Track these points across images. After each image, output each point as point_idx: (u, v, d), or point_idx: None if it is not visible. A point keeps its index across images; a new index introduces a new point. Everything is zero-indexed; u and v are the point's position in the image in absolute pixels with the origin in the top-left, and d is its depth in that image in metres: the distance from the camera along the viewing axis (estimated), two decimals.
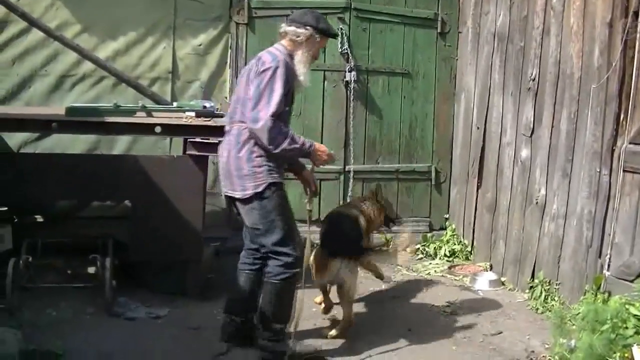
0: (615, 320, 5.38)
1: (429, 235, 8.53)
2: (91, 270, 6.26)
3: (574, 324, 5.88)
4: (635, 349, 5.08)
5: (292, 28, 5.23)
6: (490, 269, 7.72)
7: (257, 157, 5.06)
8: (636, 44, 5.97)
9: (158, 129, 6.23)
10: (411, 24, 8.42)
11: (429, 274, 7.74)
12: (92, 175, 6.14)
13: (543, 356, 5.62)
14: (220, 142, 6.23)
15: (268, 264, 5.22)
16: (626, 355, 5.15)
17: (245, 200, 5.12)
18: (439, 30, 8.51)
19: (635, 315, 5.32)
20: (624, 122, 6.08)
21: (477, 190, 8.11)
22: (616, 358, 5.19)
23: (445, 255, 8.23)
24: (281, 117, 4.96)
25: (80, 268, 6.32)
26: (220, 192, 7.93)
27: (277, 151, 4.96)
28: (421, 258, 8.24)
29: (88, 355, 5.11)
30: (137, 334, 5.61)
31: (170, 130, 6.35)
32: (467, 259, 8.18)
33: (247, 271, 5.48)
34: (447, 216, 8.71)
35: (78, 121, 6.12)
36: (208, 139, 6.27)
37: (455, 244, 8.32)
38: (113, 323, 5.80)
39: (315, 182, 5.58)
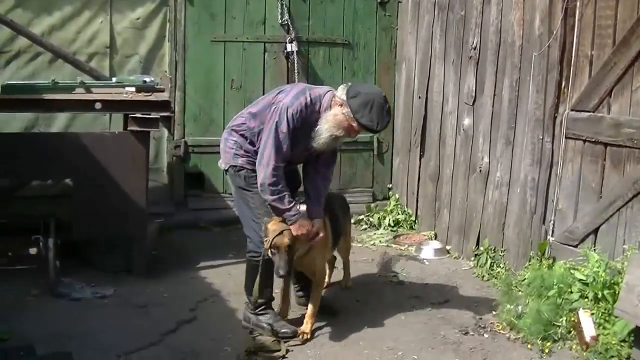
0: (561, 285, 5.47)
1: (372, 205, 8.54)
2: (33, 251, 6.10)
3: (520, 290, 5.97)
4: (581, 312, 5.17)
5: (341, 92, 5.11)
6: (435, 238, 7.77)
7: (232, 139, 5.32)
8: (576, 12, 6.01)
9: (98, 105, 6.09)
10: None
11: (374, 244, 7.75)
12: (32, 154, 5.94)
13: (491, 322, 5.66)
14: (161, 117, 6.19)
15: None
16: (572, 319, 5.25)
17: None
18: (378, 0, 8.48)
19: (580, 280, 5.40)
20: (566, 89, 6.14)
21: (420, 160, 8.13)
22: (562, 322, 5.29)
23: (389, 225, 8.24)
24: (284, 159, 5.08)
25: (22, 249, 6.16)
26: (162, 168, 7.92)
27: (261, 194, 5.12)
28: (365, 228, 8.25)
29: (34, 337, 4.97)
30: (84, 315, 5.49)
31: (110, 106, 6.21)
32: (411, 228, 8.22)
33: None
34: (390, 186, 8.74)
35: (15, 99, 5.93)
36: (149, 114, 6.15)
37: (399, 214, 8.35)
38: (58, 304, 5.67)
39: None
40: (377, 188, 8.78)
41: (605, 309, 5.18)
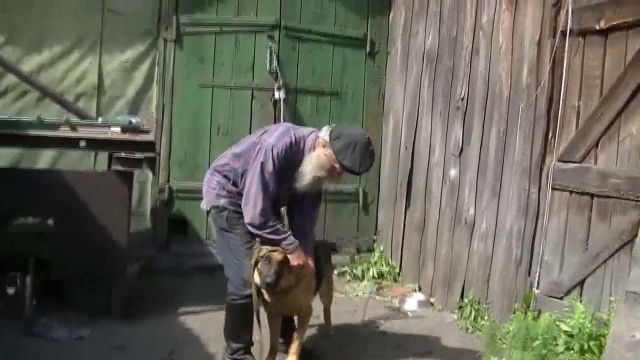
0: (546, 336, 5.36)
1: (356, 257, 8.43)
2: (11, 291, 5.96)
3: (504, 343, 5.85)
4: None
5: (325, 133, 5.12)
6: (419, 291, 7.66)
7: (215, 180, 5.28)
8: (564, 63, 6.02)
9: (82, 144, 6.06)
10: (340, 44, 8.42)
11: (357, 295, 7.63)
12: (12, 190, 5.86)
13: None
14: (145, 157, 6.12)
15: None
16: None
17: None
18: (367, 51, 8.53)
19: (565, 332, 5.29)
20: (552, 140, 6.12)
21: (405, 211, 8.07)
22: None
23: (373, 277, 8.12)
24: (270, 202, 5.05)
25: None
26: (145, 212, 7.83)
27: (252, 231, 5.09)
28: (349, 280, 8.12)
29: None
30: (59, 354, 5.38)
31: (95, 145, 6.19)
32: (395, 280, 8.11)
33: None
34: (375, 237, 8.65)
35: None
36: (133, 155, 6.09)
37: (383, 266, 8.24)
38: (34, 344, 5.54)
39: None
40: (361, 239, 8.68)
41: None
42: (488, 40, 6.84)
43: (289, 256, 5.03)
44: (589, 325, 5.16)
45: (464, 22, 7.19)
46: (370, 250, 8.62)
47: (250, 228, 5.06)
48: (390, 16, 8.58)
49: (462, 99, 7.13)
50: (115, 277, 6.18)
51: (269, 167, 4.97)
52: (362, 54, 8.53)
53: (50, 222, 6.10)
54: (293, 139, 5.09)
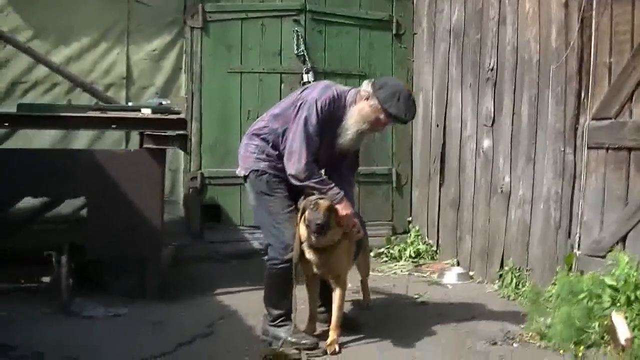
0: (591, 288, 5.28)
1: (392, 238, 8.37)
2: (46, 279, 5.97)
3: (548, 307, 5.75)
4: (614, 314, 4.96)
5: (367, 85, 5.14)
6: (457, 266, 7.59)
7: (253, 144, 5.23)
8: (592, 22, 5.96)
9: (114, 126, 6.06)
10: (366, 26, 8.42)
11: (395, 273, 7.58)
12: (44, 170, 5.86)
13: (520, 334, 5.45)
14: (177, 135, 6.12)
15: None
16: (605, 322, 5.03)
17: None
18: (394, 32, 8.51)
19: (610, 286, 5.20)
20: (585, 100, 6.05)
21: (440, 189, 8.02)
22: (595, 327, 5.06)
23: (410, 256, 8.06)
24: (313, 155, 5.06)
25: (36, 277, 6.04)
26: (178, 201, 7.83)
27: (302, 183, 5.06)
28: (386, 261, 8.06)
29: (44, 347, 4.85)
30: (97, 329, 5.40)
31: (127, 124, 6.20)
32: (432, 258, 8.04)
33: None
34: (410, 219, 8.59)
35: (31, 116, 5.91)
36: (165, 132, 6.08)
37: (420, 245, 8.18)
38: (71, 320, 5.57)
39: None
40: (396, 221, 8.61)
41: (639, 311, 4.98)
42: (514, 7, 6.81)
43: (337, 206, 5.01)
44: (634, 274, 5.07)
45: None
46: (406, 232, 8.56)
47: (294, 181, 5.04)
48: None
49: (492, 70, 7.09)
50: (150, 257, 6.15)
51: (313, 120, 4.98)
52: (389, 36, 8.51)
53: (84, 212, 6.10)
54: (335, 93, 5.11)
